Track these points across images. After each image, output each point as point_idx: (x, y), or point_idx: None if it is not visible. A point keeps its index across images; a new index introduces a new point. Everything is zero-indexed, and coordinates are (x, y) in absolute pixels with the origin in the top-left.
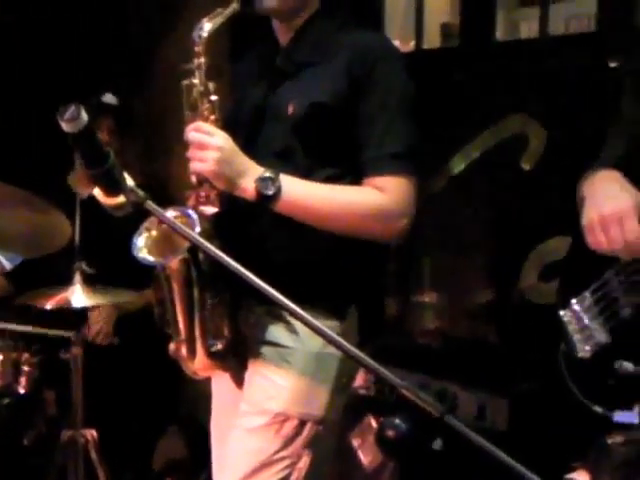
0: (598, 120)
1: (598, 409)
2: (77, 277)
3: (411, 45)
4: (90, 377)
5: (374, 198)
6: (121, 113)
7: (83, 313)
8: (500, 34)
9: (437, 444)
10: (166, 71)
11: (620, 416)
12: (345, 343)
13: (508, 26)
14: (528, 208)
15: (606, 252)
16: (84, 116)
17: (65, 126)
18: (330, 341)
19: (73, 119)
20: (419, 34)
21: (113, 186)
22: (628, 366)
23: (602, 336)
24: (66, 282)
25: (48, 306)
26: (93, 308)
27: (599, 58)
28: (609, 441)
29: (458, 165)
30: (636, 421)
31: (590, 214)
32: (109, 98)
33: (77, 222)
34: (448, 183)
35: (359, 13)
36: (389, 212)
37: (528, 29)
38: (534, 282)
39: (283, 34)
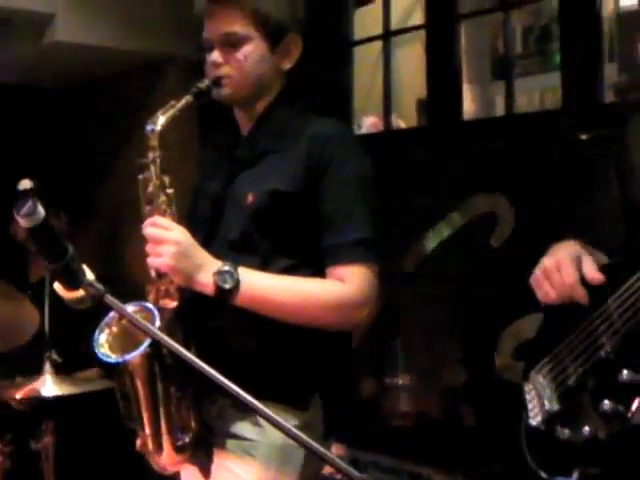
0: (567, 196)
1: (543, 475)
2: (47, 366)
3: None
4: (62, 467)
5: (334, 289)
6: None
7: (54, 402)
8: (475, 109)
9: None
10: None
11: None
12: (303, 436)
13: (483, 101)
14: (500, 286)
15: (553, 301)
16: (41, 211)
17: (22, 221)
18: (290, 436)
19: (30, 214)
20: (387, 113)
21: (72, 280)
22: (564, 432)
23: (551, 404)
24: (36, 371)
25: (17, 396)
26: None
27: (566, 134)
28: None
29: (429, 244)
30: None
31: (534, 273)
32: (22, 184)
33: (46, 311)
34: (419, 263)
35: (329, 92)
36: (350, 302)
37: (503, 102)
38: (508, 361)
39: (244, 123)
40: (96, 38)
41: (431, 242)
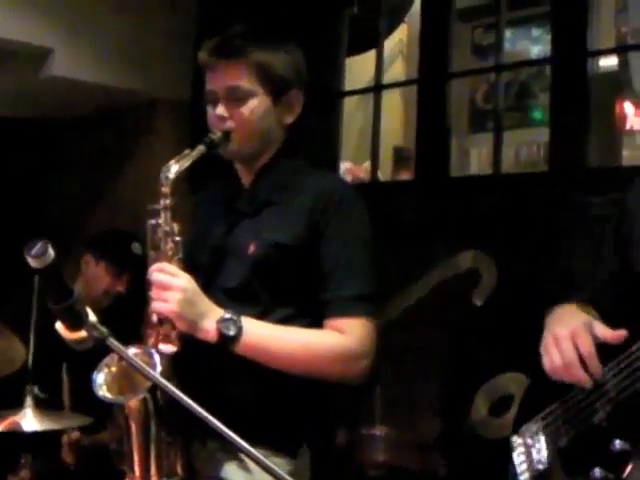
0: (550, 256)
1: None
2: (28, 401)
3: (365, 166)
4: None
5: (334, 340)
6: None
7: (33, 437)
8: (452, 162)
9: None
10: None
11: None
12: None
13: (459, 154)
14: (480, 343)
15: (561, 375)
16: (51, 253)
17: (31, 262)
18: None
19: (40, 255)
20: (374, 165)
21: (75, 321)
22: None
23: (541, 462)
24: (17, 405)
25: None
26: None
27: (551, 195)
28: None
29: (409, 298)
30: None
31: (545, 339)
32: (136, 248)
33: (31, 346)
34: (399, 316)
35: (315, 140)
36: (350, 354)
37: (479, 155)
38: (484, 416)
39: (245, 174)
40: (92, 75)
41: (412, 296)
